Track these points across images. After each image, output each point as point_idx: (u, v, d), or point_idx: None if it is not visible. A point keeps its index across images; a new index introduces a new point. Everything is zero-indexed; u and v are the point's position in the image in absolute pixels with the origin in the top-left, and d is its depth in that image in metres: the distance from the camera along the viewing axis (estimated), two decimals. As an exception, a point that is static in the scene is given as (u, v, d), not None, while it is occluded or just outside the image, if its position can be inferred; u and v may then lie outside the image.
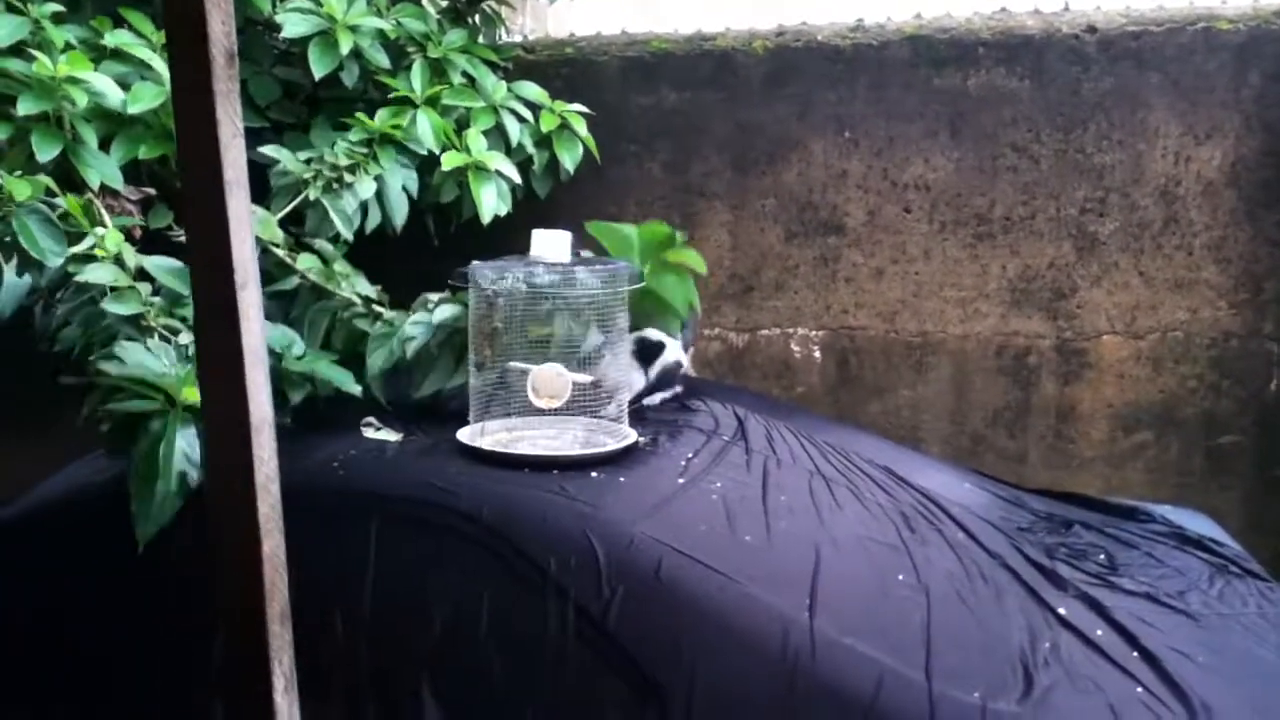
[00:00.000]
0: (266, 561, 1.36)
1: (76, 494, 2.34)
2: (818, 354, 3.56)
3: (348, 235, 2.76)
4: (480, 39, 3.48)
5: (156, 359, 2.13)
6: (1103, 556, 2.36)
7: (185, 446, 2.03)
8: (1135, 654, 1.97)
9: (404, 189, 2.94)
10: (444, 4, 3.52)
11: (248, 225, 1.27)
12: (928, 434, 3.50)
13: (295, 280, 2.65)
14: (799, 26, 3.52)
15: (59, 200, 2.17)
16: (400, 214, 2.93)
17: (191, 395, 2.05)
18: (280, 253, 2.62)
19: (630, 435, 2.42)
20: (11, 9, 2.53)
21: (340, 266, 2.73)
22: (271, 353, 2.38)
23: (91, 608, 2.17)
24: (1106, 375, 3.35)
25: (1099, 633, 2.01)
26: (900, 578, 2.09)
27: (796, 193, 3.51)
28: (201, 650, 2.01)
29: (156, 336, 2.21)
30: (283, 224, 2.68)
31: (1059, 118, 3.30)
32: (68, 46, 2.53)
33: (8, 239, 2.06)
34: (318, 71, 2.89)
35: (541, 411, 2.45)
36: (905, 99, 3.40)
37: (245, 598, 1.37)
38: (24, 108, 2.40)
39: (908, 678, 1.83)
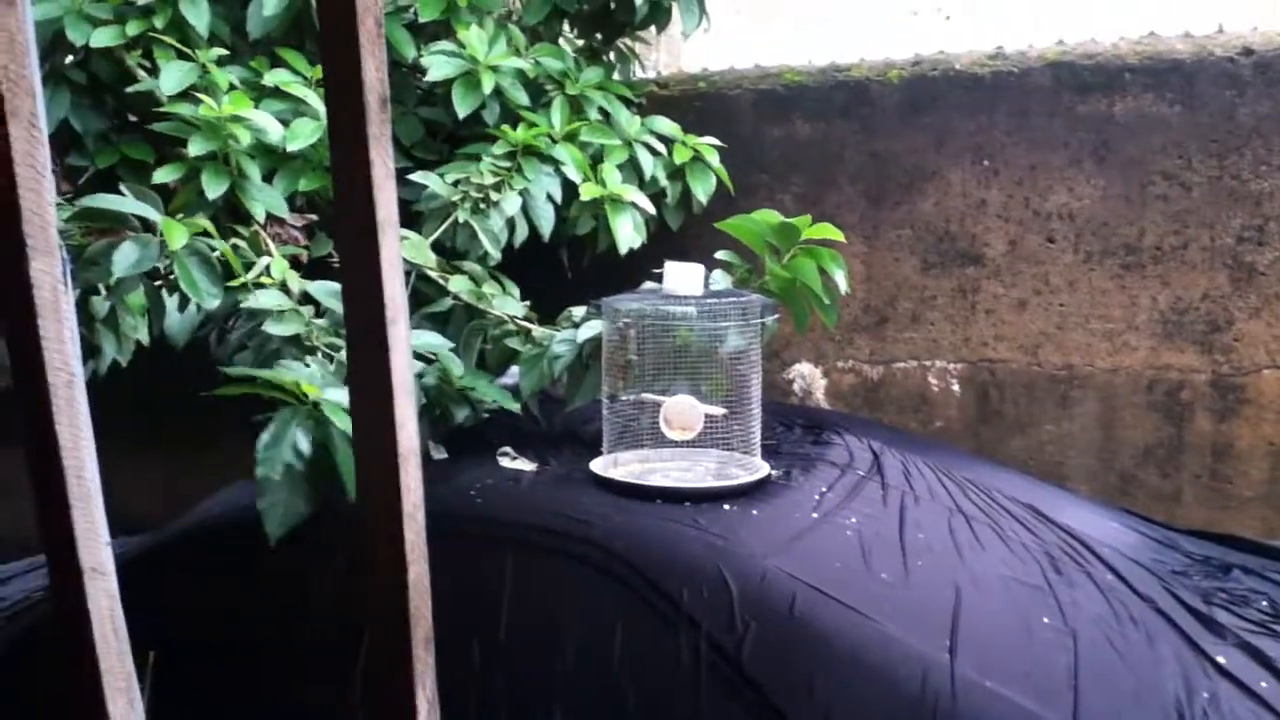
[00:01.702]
0: (412, 588, 1.39)
1: (229, 516, 2.44)
2: (956, 387, 3.48)
3: (495, 254, 2.84)
4: (615, 75, 3.53)
5: (310, 372, 2.20)
6: (1265, 603, 2.22)
7: (297, 439, 2.08)
8: (1303, 708, 1.85)
9: (549, 198, 2.99)
10: (580, 43, 3.60)
11: (398, 263, 1.31)
12: (1073, 472, 3.37)
13: (449, 302, 2.73)
14: (935, 55, 3.48)
15: (215, 242, 2.28)
16: (548, 223, 2.99)
17: (315, 393, 2.11)
18: (433, 275, 2.70)
19: (763, 468, 2.39)
20: (181, 55, 2.69)
21: (489, 287, 2.80)
22: (439, 373, 2.45)
23: (237, 630, 2.24)
24: (1267, 412, 3.18)
25: (1263, 684, 1.89)
26: (1045, 620, 2.01)
27: (933, 223, 3.45)
28: (346, 674, 2.07)
29: (320, 354, 2.30)
30: (435, 247, 2.77)
31: (1212, 144, 3.17)
32: (231, 88, 2.68)
33: (172, 278, 2.17)
34: (462, 111, 2.99)
35: (674, 443, 2.46)
36: (1047, 127, 3.31)
37: (392, 623, 1.40)
38: (195, 149, 2.56)
39: (1054, 725, 1.75)
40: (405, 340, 1.32)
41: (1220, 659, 1.96)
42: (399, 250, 1.31)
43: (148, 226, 2.21)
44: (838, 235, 2.66)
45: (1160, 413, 3.28)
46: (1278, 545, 2.63)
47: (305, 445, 2.08)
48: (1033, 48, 3.38)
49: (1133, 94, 3.23)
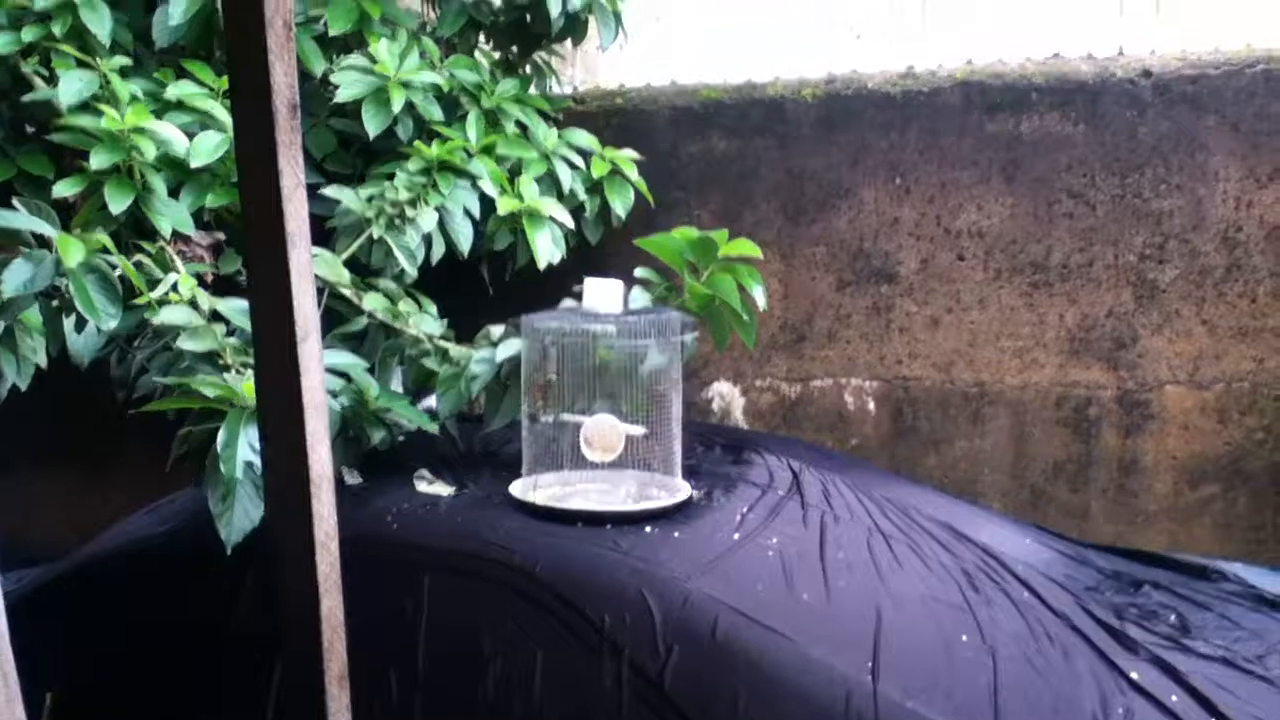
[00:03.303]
0: (325, 621, 1.34)
1: (134, 546, 2.35)
2: (872, 405, 3.52)
3: (412, 271, 2.78)
4: (532, 90, 3.50)
5: (234, 380, 2.14)
6: (1174, 618, 2.28)
7: (251, 436, 2.03)
8: (1213, 721, 1.89)
9: (466, 213, 2.94)
10: (496, 56, 3.56)
11: (309, 277, 1.26)
12: (986, 487, 3.42)
13: (364, 321, 2.66)
14: (849, 74, 3.51)
15: (116, 259, 2.19)
16: (466, 239, 2.94)
17: (251, 392, 2.04)
18: (347, 293, 2.63)
19: (684, 489, 2.38)
20: (82, 64, 2.58)
21: (405, 305, 2.74)
22: (354, 394, 2.39)
23: (145, 664, 2.16)
24: (1170, 427, 3.27)
25: (1174, 698, 1.93)
26: (965, 639, 2.03)
27: (848, 240, 3.48)
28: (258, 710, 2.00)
29: (234, 372, 2.23)
30: (349, 264, 2.71)
31: (1115, 163, 3.26)
32: (133, 99, 2.58)
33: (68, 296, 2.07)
34: (372, 130, 2.92)
35: (595, 464, 2.43)
36: (958, 145, 3.37)
37: (303, 659, 1.34)
38: (97, 161, 2.45)
39: (975, 744, 1.77)
40: (317, 359, 1.27)
41: (1133, 674, 1.99)
42: (310, 264, 1.26)
43: (43, 243, 2.11)
44: (756, 251, 2.66)
45: (1069, 428, 3.35)
46: (1184, 559, 2.70)
47: (259, 444, 2.01)
48: (942, 67, 3.43)
49: (1039, 113, 3.30)
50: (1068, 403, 3.35)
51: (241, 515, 2.00)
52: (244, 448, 2.01)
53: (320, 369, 1.30)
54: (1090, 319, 3.31)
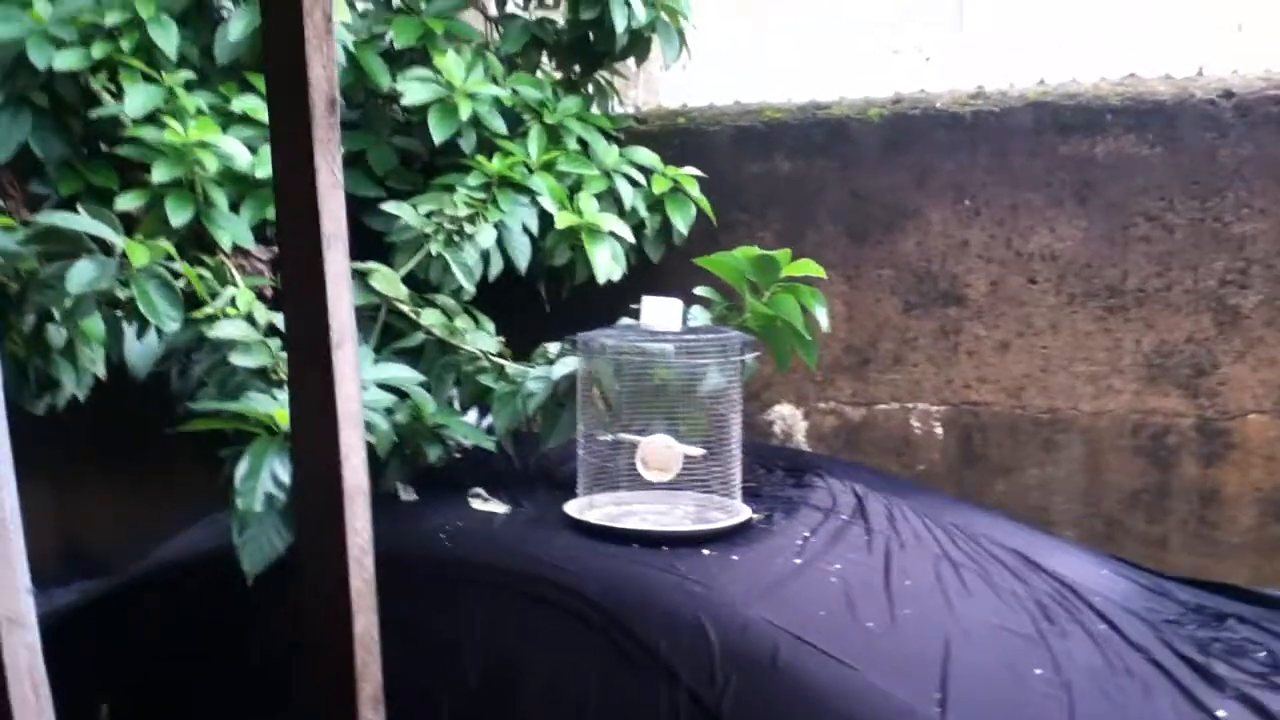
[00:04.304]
0: (358, 641, 1.26)
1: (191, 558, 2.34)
2: (939, 430, 3.42)
3: (469, 287, 2.76)
4: (594, 109, 3.48)
5: (280, 403, 2.11)
6: (1264, 654, 2.15)
7: (275, 467, 1.99)
8: (1306, 764, 1.78)
9: (524, 229, 2.92)
10: (559, 75, 3.55)
11: (345, 280, 1.20)
12: (1058, 516, 3.30)
13: (420, 337, 2.65)
14: (916, 94, 3.45)
15: (179, 266, 2.19)
16: (524, 255, 2.92)
17: (285, 420, 2.01)
18: (404, 308, 2.62)
19: (743, 511, 2.32)
20: (147, 78, 2.61)
21: (462, 321, 2.71)
22: (410, 410, 2.36)
23: (192, 678, 2.14)
24: (1254, 457, 3.13)
25: (1265, 740, 1.82)
26: (1038, 672, 1.93)
27: (914, 263, 3.40)
28: None
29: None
30: (407, 280, 2.69)
31: (1194, 186, 3.14)
32: (198, 113, 2.60)
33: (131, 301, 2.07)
34: (438, 137, 2.92)
35: (651, 485, 2.37)
36: (1029, 167, 3.28)
37: (335, 680, 1.27)
38: (159, 174, 2.47)
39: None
40: (353, 365, 1.21)
41: (1221, 713, 1.88)
42: (347, 266, 1.20)
43: (107, 251, 2.11)
44: (819, 271, 2.61)
45: (1146, 457, 3.23)
46: (1271, 593, 2.57)
47: (285, 475, 1.99)
48: (1014, 87, 3.35)
49: (1114, 135, 3.20)
50: (1145, 430, 3.22)
51: (264, 545, 1.97)
52: (266, 479, 1.97)
53: (356, 375, 1.24)
54: (1169, 345, 3.19)
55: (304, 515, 1.27)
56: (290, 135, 1.15)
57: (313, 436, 1.21)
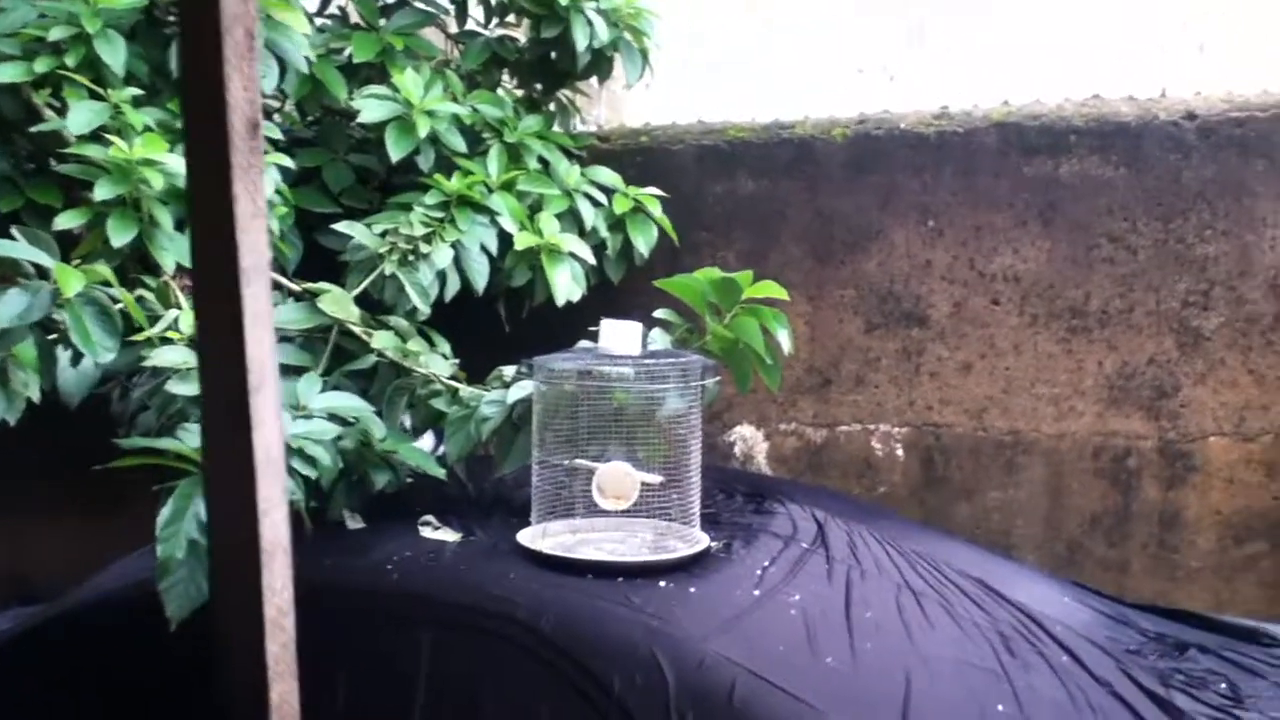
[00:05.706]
0: (274, 711, 1.14)
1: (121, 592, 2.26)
2: (900, 452, 3.39)
3: (424, 308, 2.70)
4: (555, 127, 3.43)
5: None
6: (1224, 685, 2.13)
7: (200, 512, 1.91)
8: (1270, 802, 1.75)
9: (483, 249, 2.87)
10: (520, 93, 3.50)
11: (266, 320, 1.10)
12: (1020, 540, 3.28)
13: (372, 359, 2.58)
14: (880, 114, 3.42)
15: (116, 291, 2.11)
16: (481, 275, 2.87)
17: None
18: (356, 330, 2.56)
19: (702, 540, 2.27)
20: (93, 94, 2.53)
21: (415, 343, 2.65)
22: (358, 436, 2.30)
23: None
24: (1215, 480, 3.12)
25: (1227, 776, 1.80)
26: (1000, 708, 1.89)
27: (878, 283, 3.38)
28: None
29: None
30: (360, 301, 2.63)
31: (1158, 207, 3.14)
32: (145, 129, 2.52)
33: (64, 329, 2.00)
34: (395, 154, 2.86)
35: (608, 513, 2.32)
36: (993, 187, 3.26)
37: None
38: (101, 193, 2.38)
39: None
40: (274, 410, 1.11)
41: (1182, 749, 1.86)
42: (268, 303, 1.11)
43: (43, 274, 2.04)
44: (781, 293, 2.57)
45: (1107, 480, 3.21)
46: (1232, 621, 2.55)
47: (205, 506, 1.91)
48: (978, 108, 3.34)
49: (1078, 156, 3.20)
50: (1106, 453, 3.21)
51: (190, 590, 1.89)
52: (190, 523, 1.89)
53: (277, 423, 1.13)
54: (1130, 367, 3.18)
55: (217, 574, 1.17)
56: (207, 161, 1.06)
57: (227, 490, 1.11)
